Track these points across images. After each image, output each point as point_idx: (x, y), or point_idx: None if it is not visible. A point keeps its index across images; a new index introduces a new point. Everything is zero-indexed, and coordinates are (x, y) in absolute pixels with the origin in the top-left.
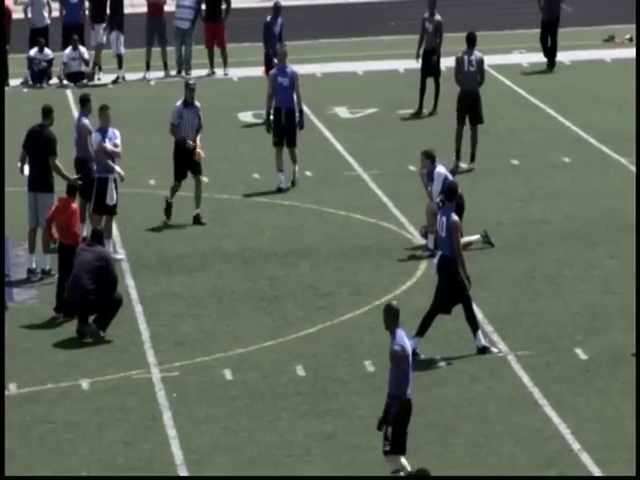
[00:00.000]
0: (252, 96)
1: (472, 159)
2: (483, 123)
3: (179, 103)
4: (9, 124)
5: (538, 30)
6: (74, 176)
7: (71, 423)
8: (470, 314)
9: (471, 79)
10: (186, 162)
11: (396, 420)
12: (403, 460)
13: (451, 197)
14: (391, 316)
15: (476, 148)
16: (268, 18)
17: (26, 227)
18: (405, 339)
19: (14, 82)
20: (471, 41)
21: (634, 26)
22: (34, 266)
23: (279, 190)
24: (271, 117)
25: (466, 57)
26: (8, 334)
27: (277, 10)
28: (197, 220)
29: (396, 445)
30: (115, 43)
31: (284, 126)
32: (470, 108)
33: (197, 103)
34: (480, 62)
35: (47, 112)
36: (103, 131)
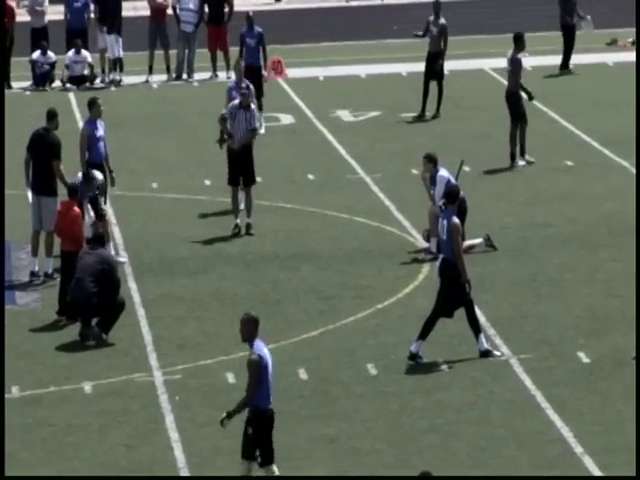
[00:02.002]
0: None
1: (522, 154)
2: (526, 124)
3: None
4: (12, 126)
5: (541, 34)
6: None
7: (73, 426)
8: (472, 317)
9: (509, 79)
10: (238, 168)
11: (260, 431)
12: (274, 468)
13: (452, 200)
14: (250, 326)
15: (525, 144)
16: (243, 29)
17: (28, 230)
18: (264, 349)
19: (17, 85)
20: (515, 40)
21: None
22: (37, 269)
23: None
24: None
25: (508, 57)
26: (10, 337)
27: (249, 20)
28: (248, 229)
29: (269, 456)
30: (114, 46)
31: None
32: (510, 108)
33: (252, 106)
34: (509, 62)
35: (52, 116)
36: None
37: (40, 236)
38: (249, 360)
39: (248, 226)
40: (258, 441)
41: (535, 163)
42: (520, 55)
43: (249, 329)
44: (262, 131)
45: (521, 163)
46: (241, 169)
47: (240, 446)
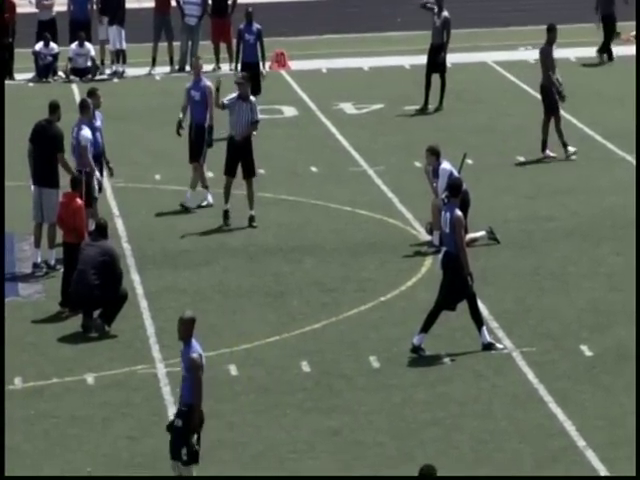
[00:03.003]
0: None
1: (564, 146)
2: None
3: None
4: (14, 118)
5: (544, 26)
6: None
7: (76, 418)
8: (475, 310)
9: (541, 70)
10: (238, 160)
11: (192, 429)
12: (193, 470)
13: (455, 193)
14: (189, 325)
15: (563, 137)
16: (242, 25)
17: (31, 221)
18: (199, 348)
19: (19, 76)
20: (547, 31)
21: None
22: (39, 260)
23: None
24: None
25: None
26: (13, 328)
27: (249, 16)
28: (251, 222)
29: (195, 455)
30: (116, 38)
31: (193, 141)
32: (542, 99)
33: (252, 97)
34: (539, 52)
35: (54, 108)
36: (90, 122)
37: (43, 228)
38: (194, 359)
39: (251, 218)
40: (185, 438)
41: (536, 154)
42: (552, 46)
43: (188, 328)
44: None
45: (552, 154)
46: (242, 161)
47: (244, 439)
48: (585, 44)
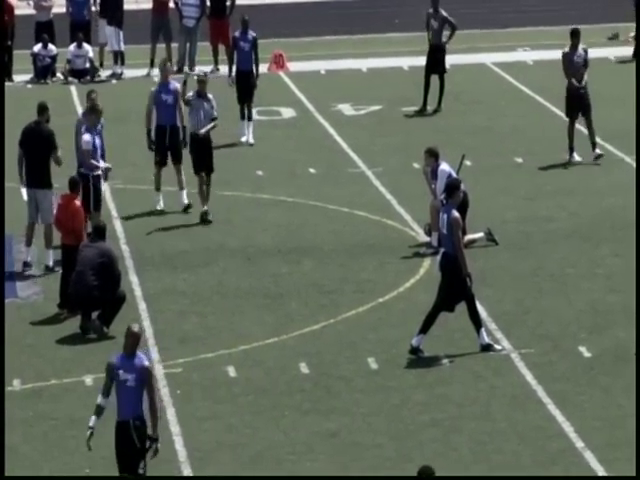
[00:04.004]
0: (256, 93)
1: (593, 148)
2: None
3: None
4: (12, 120)
5: (542, 28)
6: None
7: (74, 419)
8: (473, 312)
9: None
10: (202, 156)
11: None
12: None
13: (452, 194)
14: (139, 339)
15: (595, 137)
16: (237, 33)
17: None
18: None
19: (18, 78)
20: (573, 35)
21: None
22: (29, 259)
23: (160, 212)
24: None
25: (570, 51)
26: (12, 330)
27: (244, 24)
28: (205, 217)
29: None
30: (114, 39)
31: (168, 145)
32: (580, 103)
33: (210, 95)
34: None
35: (42, 109)
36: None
37: (37, 228)
38: (149, 368)
39: (206, 213)
40: (142, 452)
41: (534, 155)
42: (567, 50)
43: (137, 342)
44: (251, 140)
45: (597, 152)
46: (202, 158)
47: (243, 441)
48: (585, 45)
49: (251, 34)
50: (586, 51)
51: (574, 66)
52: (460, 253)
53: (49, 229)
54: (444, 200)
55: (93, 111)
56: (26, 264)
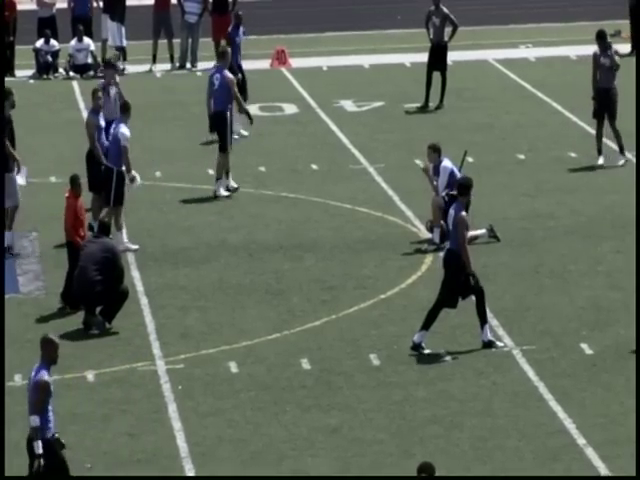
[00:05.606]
0: (258, 89)
1: (621, 152)
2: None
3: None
4: (15, 115)
5: (544, 24)
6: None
7: (76, 415)
8: (481, 306)
9: (606, 76)
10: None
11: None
12: None
13: (463, 192)
14: (50, 346)
15: (622, 141)
16: (230, 28)
17: (31, 217)
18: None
19: (20, 73)
20: (601, 37)
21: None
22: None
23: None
24: None
25: (599, 53)
26: (14, 325)
27: (237, 19)
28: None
29: None
30: (116, 35)
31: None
32: (607, 105)
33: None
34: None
35: (6, 95)
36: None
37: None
38: (39, 382)
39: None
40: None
41: (536, 152)
42: (597, 52)
43: (47, 350)
44: (245, 133)
45: (620, 162)
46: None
47: (244, 436)
48: (585, 42)
49: (242, 30)
50: (615, 53)
51: (601, 68)
52: (464, 252)
53: (12, 212)
54: (446, 197)
55: (128, 108)
56: (9, 248)
